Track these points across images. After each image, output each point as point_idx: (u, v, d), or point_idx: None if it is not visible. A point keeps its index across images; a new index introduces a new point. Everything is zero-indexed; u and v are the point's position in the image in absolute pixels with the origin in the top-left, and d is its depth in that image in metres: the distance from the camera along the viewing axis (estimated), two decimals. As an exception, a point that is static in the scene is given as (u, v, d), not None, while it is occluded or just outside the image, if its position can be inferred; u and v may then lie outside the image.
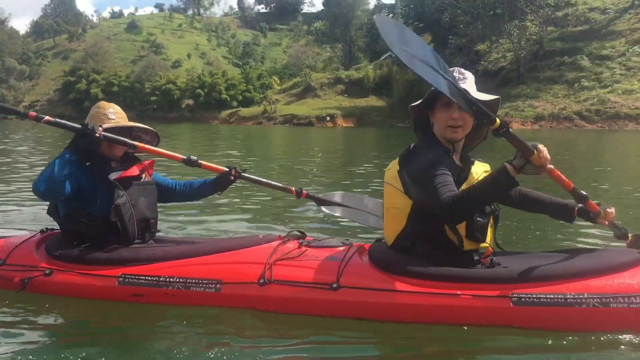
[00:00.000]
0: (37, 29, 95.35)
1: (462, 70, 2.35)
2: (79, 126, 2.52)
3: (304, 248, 2.59)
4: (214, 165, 2.98)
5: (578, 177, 7.90)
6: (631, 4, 41.73)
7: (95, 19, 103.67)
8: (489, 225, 2.31)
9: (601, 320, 2.09)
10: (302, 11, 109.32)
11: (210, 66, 76.61)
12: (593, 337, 2.08)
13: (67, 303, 2.55)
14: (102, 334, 2.33)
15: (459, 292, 2.15)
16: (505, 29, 40.17)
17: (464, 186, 2.19)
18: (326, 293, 2.28)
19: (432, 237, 2.25)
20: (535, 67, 39.24)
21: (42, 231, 2.96)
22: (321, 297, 2.29)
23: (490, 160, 2.51)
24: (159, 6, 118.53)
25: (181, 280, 2.46)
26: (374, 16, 2.68)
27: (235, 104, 55.16)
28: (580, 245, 3.61)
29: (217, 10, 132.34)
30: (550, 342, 2.08)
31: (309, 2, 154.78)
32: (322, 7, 76.52)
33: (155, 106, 61.39)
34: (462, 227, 2.20)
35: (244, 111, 50.76)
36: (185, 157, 2.88)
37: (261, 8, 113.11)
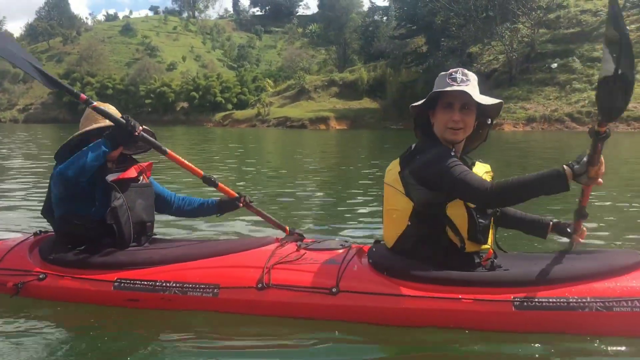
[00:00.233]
0: (32, 32, 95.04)
1: (466, 71, 2.29)
2: (123, 120, 2.51)
3: (302, 251, 2.55)
4: (228, 188, 2.99)
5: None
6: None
7: (89, 22, 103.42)
8: (490, 226, 2.29)
9: (605, 325, 2.05)
10: (297, 14, 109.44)
11: (205, 69, 76.55)
12: (596, 342, 2.05)
13: (62, 308, 2.51)
14: (97, 339, 2.28)
15: (460, 296, 2.13)
16: (497, 32, 40.39)
17: None
18: (326, 298, 2.25)
19: (434, 239, 2.22)
20: (527, 69, 39.45)
21: (35, 234, 2.92)
22: (320, 302, 2.26)
23: (490, 160, 2.48)
24: (154, 9, 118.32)
25: (178, 284, 2.43)
26: None
27: (230, 106, 55.22)
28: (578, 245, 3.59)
29: (212, 13, 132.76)
30: (552, 347, 2.05)
31: (304, 5, 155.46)
32: (317, 10, 76.76)
33: (149, 109, 61.36)
34: (464, 229, 2.18)
35: (238, 114, 50.79)
36: (205, 175, 2.89)
37: (256, 11, 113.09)
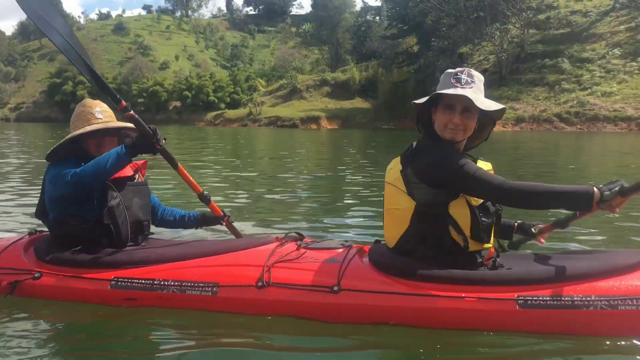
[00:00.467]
0: (23, 31, 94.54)
1: (472, 72, 2.24)
2: (150, 131, 2.47)
3: (302, 250, 2.52)
4: (216, 205, 3.03)
5: (557, 176, 8.12)
6: (612, 7, 42.38)
7: (82, 21, 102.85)
8: (493, 225, 2.26)
9: (609, 323, 2.04)
10: (291, 13, 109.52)
11: (198, 68, 76.53)
12: (601, 341, 2.03)
13: (57, 307, 2.47)
14: (94, 339, 2.25)
15: (463, 295, 2.10)
16: (487, 32, 40.67)
17: None
18: (327, 296, 2.22)
19: (436, 238, 2.19)
20: (517, 70, 39.76)
21: (30, 233, 2.87)
22: (321, 301, 2.23)
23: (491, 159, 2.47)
24: (147, 8, 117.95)
25: (176, 283, 2.39)
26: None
27: (223, 105, 55.29)
28: (581, 245, 3.61)
29: (206, 12, 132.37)
30: (557, 345, 2.03)
31: (298, 5, 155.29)
32: (311, 9, 76.82)
33: (142, 108, 61.16)
34: (467, 228, 2.15)
35: (230, 113, 50.92)
36: (203, 193, 2.95)
37: (250, 10, 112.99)
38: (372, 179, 8.02)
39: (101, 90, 2.58)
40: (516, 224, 2.55)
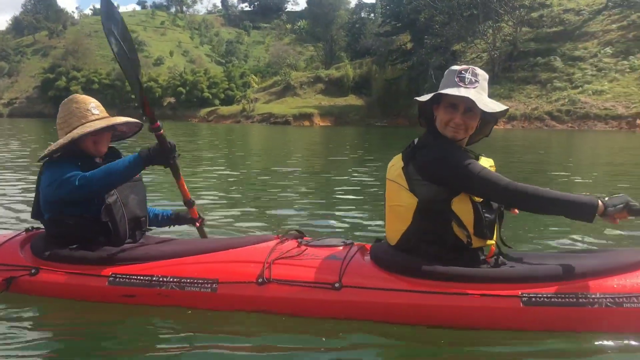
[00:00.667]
0: (17, 26, 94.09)
1: (477, 70, 2.20)
2: (170, 148, 2.49)
3: (303, 247, 2.49)
4: (195, 209, 3.03)
5: (547, 174, 8.21)
6: (605, 6, 42.58)
7: (76, 16, 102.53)
8: (496, 221, 2.24)
9: (615, 321, 2.02)
10: (286, 10, 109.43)
11: (193, 64, 76.45)
12: (606, 338, 2.01)
13: (54, 304, 2.43)
14: (91, 337, 2.22)
15: (466, 292, 2.09)
16: (479, 30, 40.80)
17: None
18: (328, 293, 2.20)
19: (439, 235, 2.17)
20: (510, 68, 39.93)
21: (27, 230, 2.81)
22: (323, 297, 2.20)
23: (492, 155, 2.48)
24: (142, 3, 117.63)
25: (175, 279, 2.35)
26: None
27: (217, 102, 55.16)
28: (582, 245, 3.62)
29: (201, 8, 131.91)
30: (561, 343, 2.01)
31: (293, 1, 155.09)
32: (306, 6, 76.73)
33: (136, 104, 60.63)
34: (470, 224, 2.14)
35: (223, 109, 50.85)
36: (190, 199, 2.96)
37: (245, 6, 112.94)
38: (368, 177, 7.95)
39: (140, 106, 2.58)
40: None
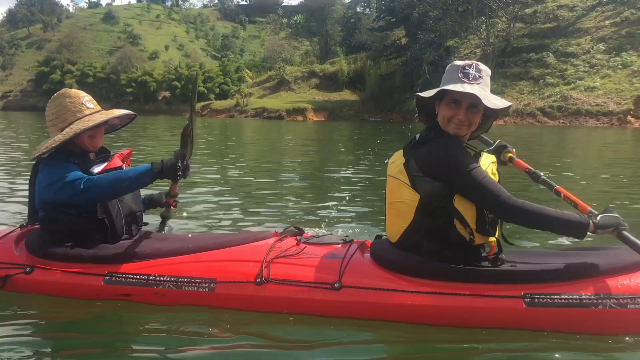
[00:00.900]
0: (11, 18, 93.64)
1: (480, 66, 2.16)
2: (182, 164, 2.52)
3: (302, 245, 2.47)
4: (176, 188, 3.00)
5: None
6: (598, 2, 42.70)
7: (71, 9, 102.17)
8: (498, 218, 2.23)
9: (619, 322, 2.00)
10: (282, 4, 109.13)
11: (188, 58, 76.36)
12: (610, 340, 1.99)
13: (49, 303, 2.40)
14: (87, 336, 2.21)
15: (468, 292, 2.07)
16: (473, 25, 40.89)
17: None
18: (327, 293, 2.18)
19: (441, 232, 2.15)
20: (503, 64, 40.03)
21: (21, 226, 2.78)
22: (322, 297, 2.19)
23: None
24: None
25: (172, 279, 2.33)
26: None
27: (212, 96, 55.18)
28: (582, 242, 3.58)
29: (196, 2, 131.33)
30: (564, 345, 1.98)
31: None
32: (302, 0, 76.62)
33: (131, 98, 61.19)
34: (472, 221, 2.12)
35: (217, 104, 50.75)
36: (175, 193, 2.97)
37: (241, 0, 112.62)
38: (367, 173, 7.93)
39: (182, 139, 2.64)
40: None
